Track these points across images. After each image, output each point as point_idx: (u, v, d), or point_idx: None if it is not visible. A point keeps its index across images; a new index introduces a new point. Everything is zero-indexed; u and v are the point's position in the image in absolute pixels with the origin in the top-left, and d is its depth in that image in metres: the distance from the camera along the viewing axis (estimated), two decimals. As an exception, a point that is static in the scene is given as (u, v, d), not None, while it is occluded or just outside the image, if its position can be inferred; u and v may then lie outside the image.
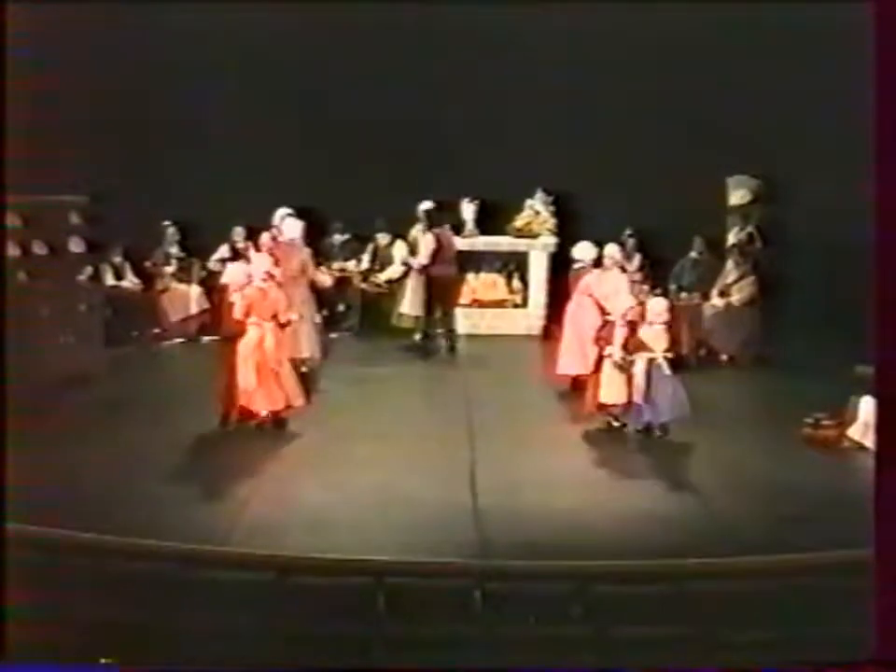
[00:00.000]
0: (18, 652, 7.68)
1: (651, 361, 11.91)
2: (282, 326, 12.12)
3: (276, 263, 12.42)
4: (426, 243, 15.50)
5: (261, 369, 11.95)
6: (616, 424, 12.25)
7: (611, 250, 13.53)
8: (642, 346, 11.94)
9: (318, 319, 14.37)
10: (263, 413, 12.09)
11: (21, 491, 8.43)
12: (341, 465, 11.12)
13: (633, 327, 12.14)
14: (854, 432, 11.86)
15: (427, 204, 15.74)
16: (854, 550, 8.42)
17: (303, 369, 13.41)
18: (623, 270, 13.64)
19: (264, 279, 12.03)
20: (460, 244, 16.07)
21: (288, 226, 14.26)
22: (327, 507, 10.18)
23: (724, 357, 15.28)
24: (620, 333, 12.17)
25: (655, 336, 11.99)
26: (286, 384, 12.11)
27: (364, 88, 16.13)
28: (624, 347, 12.06)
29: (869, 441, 11.37)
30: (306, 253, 14.13)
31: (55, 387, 12.64)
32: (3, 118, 9.23)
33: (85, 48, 15.30)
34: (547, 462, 11.48)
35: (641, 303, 12.37)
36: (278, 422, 12.17)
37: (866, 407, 11.64)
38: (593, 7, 15.33)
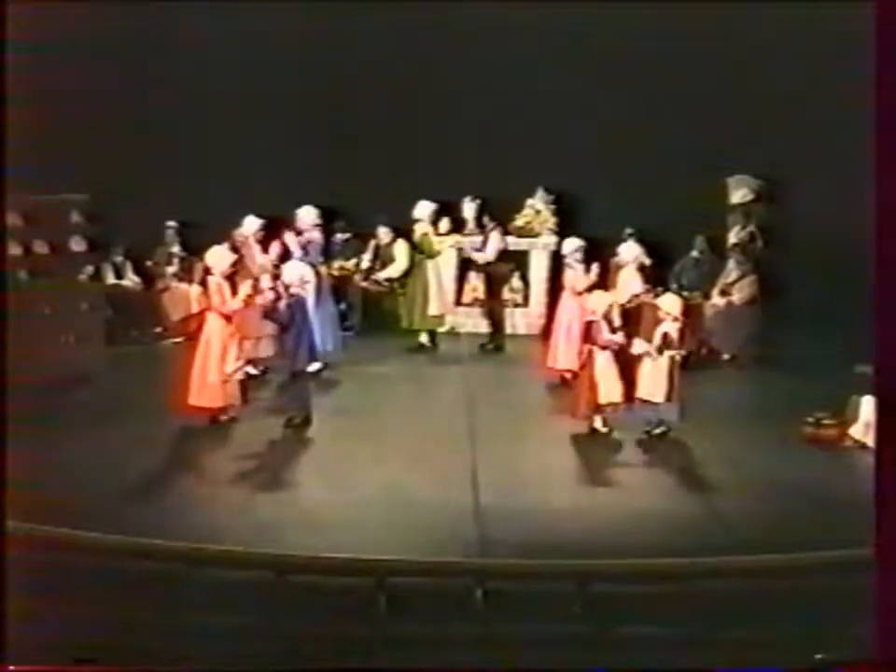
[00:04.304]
0: (18, 652, 7.68)
1: (672, 358, 11.86)
2: (225, 316, 12.12)
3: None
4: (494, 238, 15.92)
5: (204, 363, 12.05)
6: (604, 430, 12.05)
7: (622, 249, 13.58)
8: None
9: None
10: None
11: (21, 491, 8.43)
12: (342, 464, 11.13)
13: (651, 321, 12.00)
14: (856, 431, 11.86)
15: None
16: (854, 550, 8.42)
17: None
18: (641, 269, 13.66)
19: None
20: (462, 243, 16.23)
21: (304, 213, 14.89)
22: (328, 506, 10.19)
23: (725, 356, 15.24)
24: (604, 330, 11.96)
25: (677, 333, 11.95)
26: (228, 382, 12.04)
27: (364, 86, 16.12)
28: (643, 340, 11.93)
29: (871, 441, 11.36)
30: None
31: (55, 387, 12.63)
32: (3, 118, 9.23)
33: (85, 48, 15.30)
34: (548, 461, 11.49)
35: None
36: (213, 421, 12.12)
37: (867, 407, 11.64)
38: (593, 7, 15.32)
